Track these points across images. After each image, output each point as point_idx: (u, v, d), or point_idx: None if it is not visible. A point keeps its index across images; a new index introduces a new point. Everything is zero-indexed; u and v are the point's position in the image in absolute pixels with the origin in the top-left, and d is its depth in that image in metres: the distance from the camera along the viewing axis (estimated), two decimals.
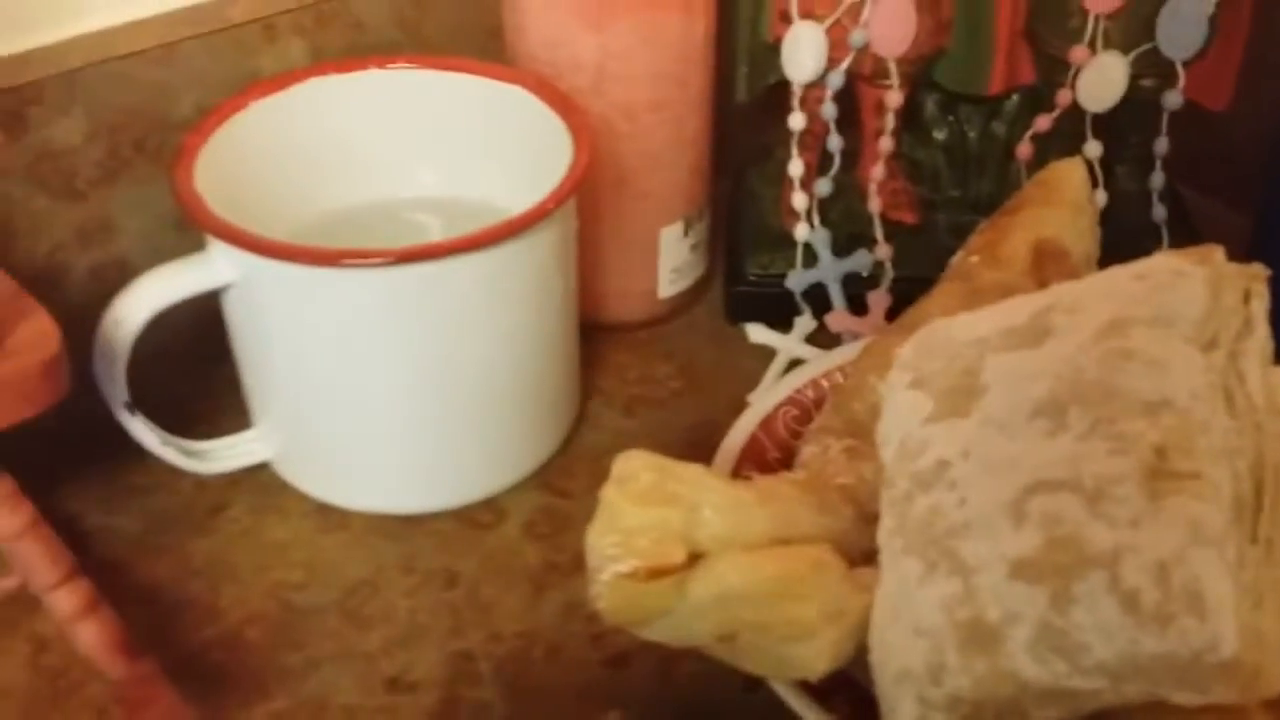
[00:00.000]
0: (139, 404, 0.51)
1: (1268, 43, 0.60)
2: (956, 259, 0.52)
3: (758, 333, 0.63)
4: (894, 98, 0.59)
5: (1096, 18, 0.57)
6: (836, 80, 0.59)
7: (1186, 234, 0.62)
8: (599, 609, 0.40)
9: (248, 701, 0.48)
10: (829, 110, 0.59)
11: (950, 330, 0.44)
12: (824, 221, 0.62)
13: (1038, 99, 0.61)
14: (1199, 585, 0.34)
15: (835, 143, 0.60)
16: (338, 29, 0.59)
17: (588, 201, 0.55)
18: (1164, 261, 0.41)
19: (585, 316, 0.57)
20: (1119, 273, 0.41)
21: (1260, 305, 0.40)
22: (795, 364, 0.60)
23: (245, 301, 0.51)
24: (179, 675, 0.46)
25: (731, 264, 0.65)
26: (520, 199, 0.50)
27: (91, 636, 0.45)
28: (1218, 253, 0.40)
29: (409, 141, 0.58)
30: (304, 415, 0.53)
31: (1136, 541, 0.35)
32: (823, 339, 0.62)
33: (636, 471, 0.40)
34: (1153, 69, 0.58)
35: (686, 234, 0.62)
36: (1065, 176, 0.52)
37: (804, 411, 0.52)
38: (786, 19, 0.58)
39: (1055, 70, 0.59)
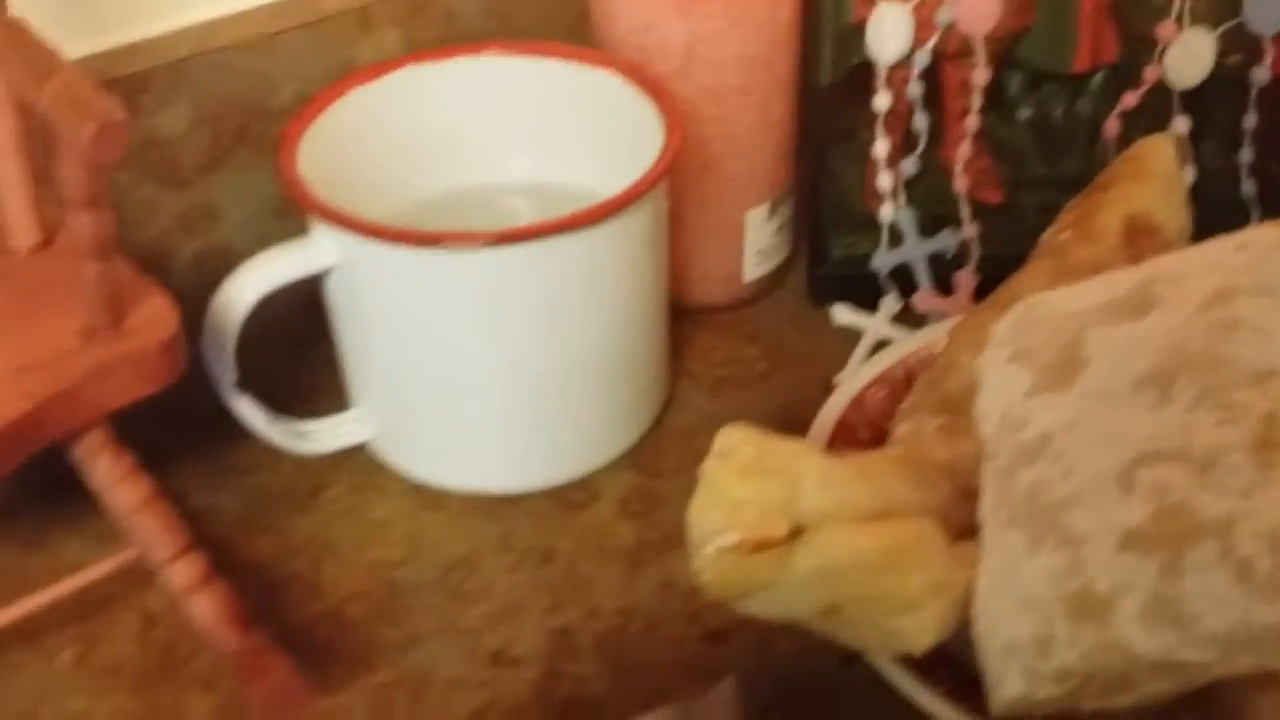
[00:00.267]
0: (241, 387, 0.52)
1: None
2: (1046, 236, 0.52)
3: (843, 314, 0.63)
4: (980, 75, 0.59)
5: None
6: (923, 59, 0.59)
7: (1275, 209, 0.61)
8: (702, 583, 0.40)
9: (352, 675, 0.49)
10: (915, 89, 0.59)
11: (1048, 305, 0.44)
12: (909, 201, 0.62)
13: (1122, 76, 0.60)
14: None
15: (921, 122, 0.60)
16: (431, 19, 0.60)
17: (674, 185, 0.56)
18: (1266, 232, 0.41)
19: (671, 299, 0.58)
20: (1220, 244, 0.42)
21: None
22: (881, 345, 0.60)
23: (347, 284, 0.52)
24: (284, 650, 0.47)
25: (815, 246, 0.65)
26: (610, 183, 0.51)
27: (207, 608, 0.46)
28: None
29: (501, 128, 0.59)
30: (403, 396, 0.54)
31: (1249, 510, 0.35)
32: (908, 319, 0.62)
33: (738, 445, 0.40)
34: (1239, 44, 0.58)
35: (771, 216, 0.63)
36: (1155, 152, 0.52)
37: (893, 391, 0.52)
38: (870, 0, 0.58)
39: (1140, 47, 0.59)
